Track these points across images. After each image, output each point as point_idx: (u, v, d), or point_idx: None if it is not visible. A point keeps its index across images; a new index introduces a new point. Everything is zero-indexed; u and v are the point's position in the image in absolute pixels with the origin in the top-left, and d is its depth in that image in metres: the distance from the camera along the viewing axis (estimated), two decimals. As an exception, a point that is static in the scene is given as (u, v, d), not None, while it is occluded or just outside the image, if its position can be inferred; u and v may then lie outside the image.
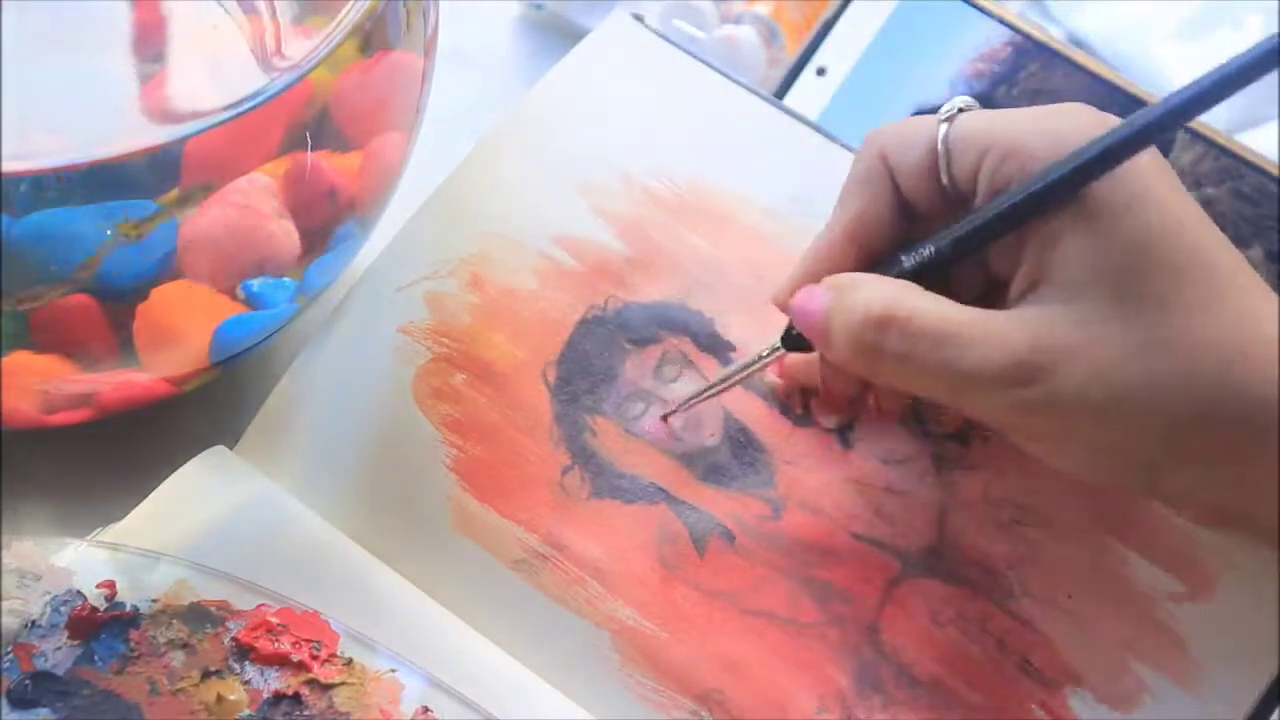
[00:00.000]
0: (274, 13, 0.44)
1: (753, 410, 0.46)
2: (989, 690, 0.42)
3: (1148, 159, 0.38)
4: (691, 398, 0.45)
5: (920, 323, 0.38)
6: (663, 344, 0.46)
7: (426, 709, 0.41)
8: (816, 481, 0.45)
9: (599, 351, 0.46)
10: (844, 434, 0.45)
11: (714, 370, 0.46)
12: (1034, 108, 0.40)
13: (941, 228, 0.40)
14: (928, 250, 0.40)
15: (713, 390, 0.45)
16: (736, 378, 0.44)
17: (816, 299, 0.41)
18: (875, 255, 0.42)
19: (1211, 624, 0.42)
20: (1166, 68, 0.65)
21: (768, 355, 0.43)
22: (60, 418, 0.45)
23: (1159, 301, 0.37)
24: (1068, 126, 0.38)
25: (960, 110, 0.40)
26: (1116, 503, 0.44)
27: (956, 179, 0.40)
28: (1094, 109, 0.39)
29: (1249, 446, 0.37)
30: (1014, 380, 0.37)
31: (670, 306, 0.47)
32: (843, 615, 0.43)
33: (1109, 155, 0.37)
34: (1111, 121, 0.38)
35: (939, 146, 0.40)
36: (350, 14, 0.42)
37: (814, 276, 0.42)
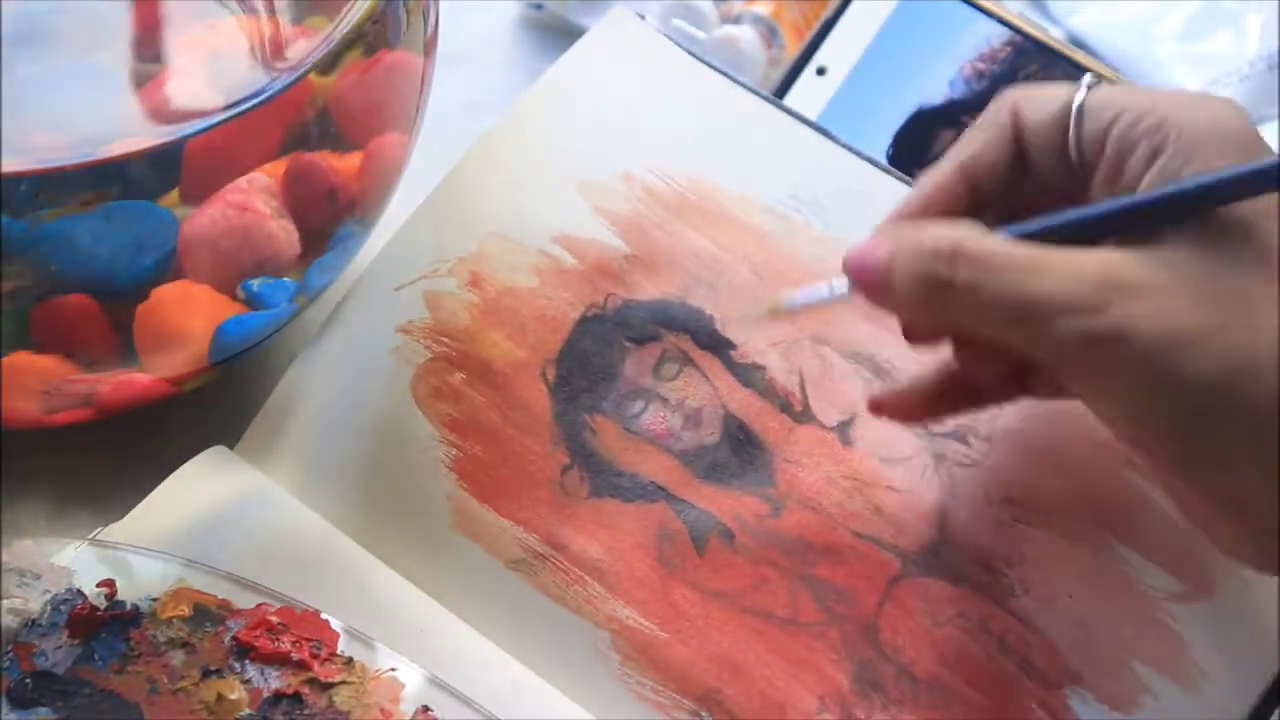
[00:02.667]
0: (274, 12, 0.44)
1: (752, 408, 0.45)
2: (989, 690, 0.42)
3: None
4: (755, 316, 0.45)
5: (989, 251, 0.38)
6: (662, 342, 0.46)
7: (427, 708, 0.41)
8: (816, 480, 0.45)
9: (598, 350, 0.46)
10: (844, 432, 0.45)
11: (713, 368, 0.46)
12: (1179, 90, 0.40)
13: (1053, 199, 0.40)
14: (1036, 226, 0.39)
15: (774, 315, 0.44)
16: (803, 309, 0.43)
17: (882, 245, 0.39)
18: (981, 200, 0.41)
19: (1211, 624, 0.42)
20: (1167, 68, 0.65)
21: (838, 293, 0.41)
22: (60, 418, 0.45)
23: (1243, 264, 0.37)
24: (1212, 113, 0.38)
25: (1101, 79, 0.41)
26: (1117, 502, 0.43)
27: (1085, 140, 0.40)
28: (1242, 108, 0.39)
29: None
30: (1081, 307, 0.37)
31: (670, 304, 0.47)
32: (842, 614, 0.43)
33: (1247, 183, 0.37)
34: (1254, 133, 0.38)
35: (1074, 105, 0.40)
36: (350, 14, 0.42)
37: (921, 205, 0.42)
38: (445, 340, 0.47)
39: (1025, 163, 0.41)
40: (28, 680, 0.40)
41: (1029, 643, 0.42)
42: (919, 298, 0.39)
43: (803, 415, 0.45)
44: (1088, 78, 0.40)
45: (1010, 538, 0.43)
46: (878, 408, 0.44)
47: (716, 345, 0.46)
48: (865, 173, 0.49)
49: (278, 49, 0.43)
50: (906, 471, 0.44)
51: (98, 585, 0.42)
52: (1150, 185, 0.38)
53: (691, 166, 0.48)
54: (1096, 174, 0.40)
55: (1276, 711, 0.42)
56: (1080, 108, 0.40)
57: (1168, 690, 0.42)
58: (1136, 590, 0.43)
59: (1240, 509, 0.38)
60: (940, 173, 0.42)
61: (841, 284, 0.41)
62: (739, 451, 0.45)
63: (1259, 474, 0.37)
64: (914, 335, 0.42)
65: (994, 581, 0.43)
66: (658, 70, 0.50)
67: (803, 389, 0.46)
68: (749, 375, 0.46)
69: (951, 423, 0.45)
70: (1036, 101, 0.41)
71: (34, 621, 0.41)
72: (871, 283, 0.40)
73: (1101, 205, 0.39)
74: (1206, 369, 0.36)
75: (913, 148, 0.57)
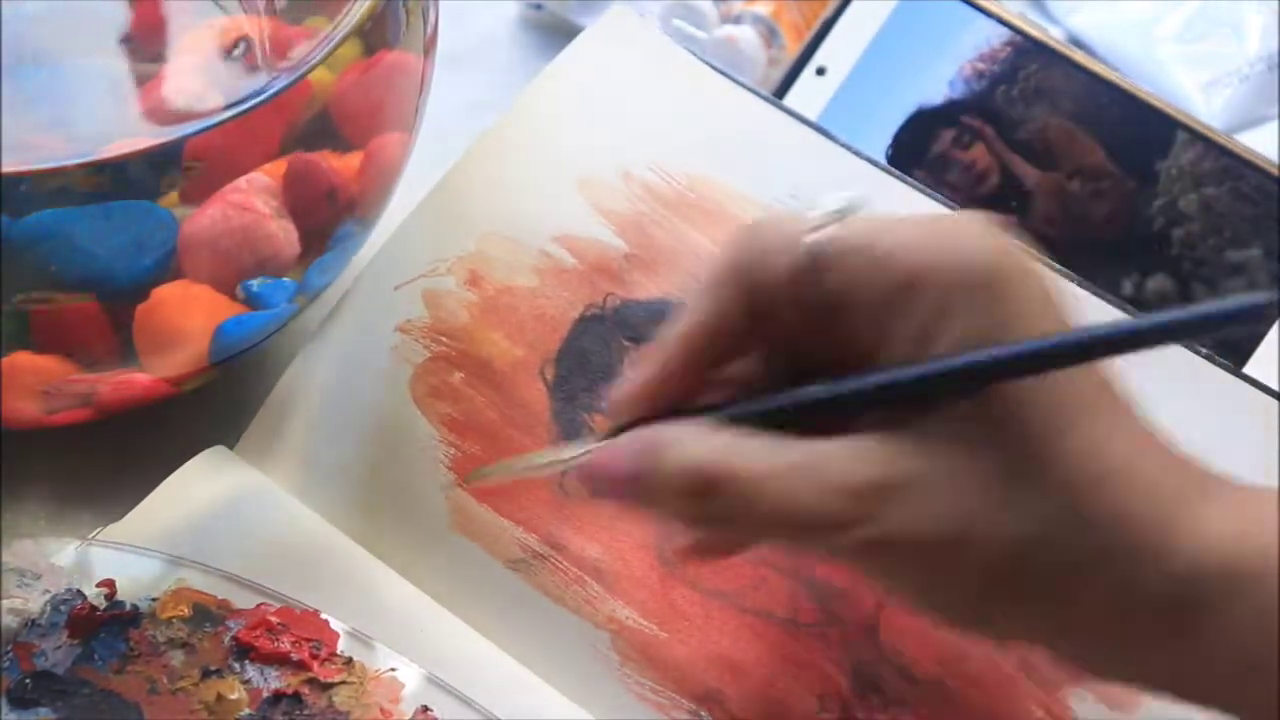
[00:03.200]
0: (274, 12, 0.44)
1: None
2: (989, 690, 0.42)
3: (1034, 275, 0.35)
4: (496, 470, 0.43)
5: (748, 479, 0.35)
6: (661, 343, 0.46)
7: (426, 708, 0.41)
8: (816, 481, 0.45)
9: (597, 349, 0.46)
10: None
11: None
12: (922, 216, 0.36)
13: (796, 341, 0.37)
14: (782, 402, 0.36)
15: (528, 470, 0.41)
16: (555, 467, 0.39)
17: (622, 463, 0.36)
18: (720, 361, 0.38)
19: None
20: (1166, 68, 0.65)
21: (577, 457, 0.38)
22: (60, 418, 0.45)
23: (1010, 430, 0.34)
24: (952, 240, 0.35)
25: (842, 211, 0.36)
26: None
27: (830, 284, 0.36)
28: (983, 220, 0.36)
29: (1083, 583, 0.35)
30: (850, 520, 0.34)
31: (668, 304, 0.47)
32: (842, 615, 0.43)
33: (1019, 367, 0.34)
34: (1002, 241, 0.35)
35: (812, 256, 0.36)
36: (350, 14, 0.42)
37: (651, 391, 0.38)
38: (444, 339, 0.47)
39: (761, 310, 0.37)
40: (28, 680, 0.40)
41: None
42: (684, 519, 0.37)
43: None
44: (815, 216, 0.36)
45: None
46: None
47: (716, 345, 0.46)
48: (865, 173, 0.49)
49: (278, 49, 0.43)
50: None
51: (97, 585, 0.42)
52: (910, 354, 0.35)
53: (691, 165, 0.48)
54: (855, 340, 0.36)
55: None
56: (814, 259, 0.36)
57: (1167, 691, 0.42)
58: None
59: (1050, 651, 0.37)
60: (668, 352, 0.37)
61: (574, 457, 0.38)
62: (738, 452, 0.45)
63: (1054, 633, 0.36)
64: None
65: (993, 582, 0.43)
66: (657, 69, 0.50)
67: None
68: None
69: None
70: (778, 238, 0.36)
71: (34, 621, 0.41)
72: (624, 495, 0.37)
73: (853, 383, 0.35)
74: (979, 560, 0.34)
75: (913, 148, 0.57)
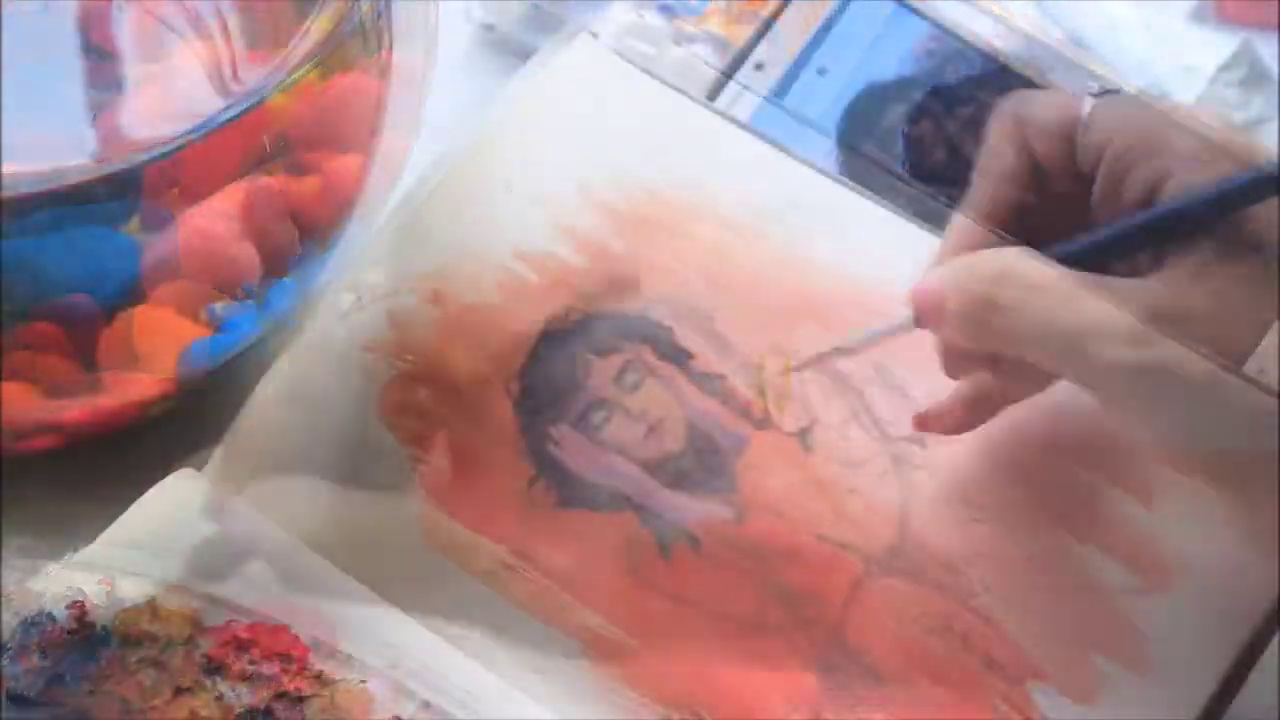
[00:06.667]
0: (228, 38, 0.44)
1: (714, 416, 0.46)
2: (954, 687, 0.43)
3: None
4: (820, 355, 0.46)
5: (1037, 276, 0.38)
6: (624, 354, 0.47)
7: (399, 719, 0.41)
8: (778, 485, 0.45)
9: (561, 363, 0.47)
10: (804, 438, 0.46)
11: (674, 377, 0.46)
12: (1172, 110, 0.40)
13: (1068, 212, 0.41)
14: (1078, 246, 0.40)
15: (839, 352, 0.46)
16: (866, 345, 0.45)
17: (937, 273, 0.41)
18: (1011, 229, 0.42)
19: (1168, 616, 0.43)
20: (1168, 68, 0.65)
21: (892, 330, 0.44)
22: (28, 444, 0.45)
23: None
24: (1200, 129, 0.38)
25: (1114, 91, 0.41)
26: (1073, 501, 0.44)
27: (1086, 151, 0.40)
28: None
29: None
30: (1134, 338, 0.37)
31: (630, 317, 0.47)
32: (809, 617, 0.44)
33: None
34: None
35: (1084, 113, 0.40)
36: (305, 39, 0.42)
37: (956, 251, 0.43)
38: (409, 358, 0.47)
39: (1037, 172, 0.42)
40: (-1, 704, 0.41)
41: (991, 640, 0.43)
42: (967, 315, 0.40)
43: (763, 422, 0.46)
44: (1093, 86, 0.42)
45: (969, 537, 0.44)
46: (922, 424, 0.45)
47: (676, 356, 0.47)
48: (819, 184, 0.49)
49: (234, 74, 0.44)
50: (866, 475, 0.45)
51: (67, 607, 0.42)
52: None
53: (648, 181, 0.49)
54: (1094, 188, 0.40)
55: (1234, 697, 0.42)
56: (1090, 116, 0.40)
57: (1127, 681, 0.42)
58: (1094, 585, 0.43)
59: None
60: (967, 223, 0.43)
61: (903, 315, 0.43)
62: (702, 459, 0.46)
63: None
64: (952, 368, 0.44)
65: (955, 581, 0.44)
66: (612, 86, 0.51)
67: (763, 396, 0.46)
68: (709, 384, 0.46)
69: (908, 427, 0.45)
70: (1045, 104, 0.41)
71: (4, 645, 0.41)
72: (927, 306, 0.41)
73: (1132, 219, 0.39)
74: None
75: (864, 123, 0.56)
